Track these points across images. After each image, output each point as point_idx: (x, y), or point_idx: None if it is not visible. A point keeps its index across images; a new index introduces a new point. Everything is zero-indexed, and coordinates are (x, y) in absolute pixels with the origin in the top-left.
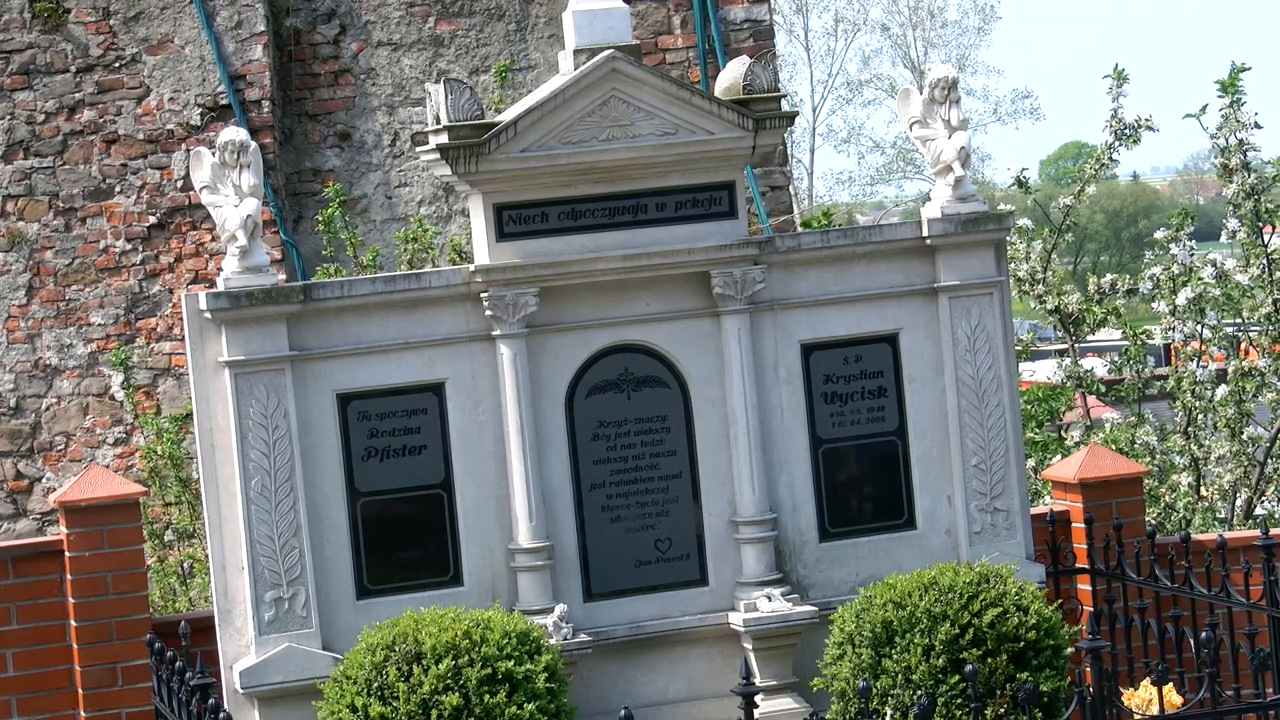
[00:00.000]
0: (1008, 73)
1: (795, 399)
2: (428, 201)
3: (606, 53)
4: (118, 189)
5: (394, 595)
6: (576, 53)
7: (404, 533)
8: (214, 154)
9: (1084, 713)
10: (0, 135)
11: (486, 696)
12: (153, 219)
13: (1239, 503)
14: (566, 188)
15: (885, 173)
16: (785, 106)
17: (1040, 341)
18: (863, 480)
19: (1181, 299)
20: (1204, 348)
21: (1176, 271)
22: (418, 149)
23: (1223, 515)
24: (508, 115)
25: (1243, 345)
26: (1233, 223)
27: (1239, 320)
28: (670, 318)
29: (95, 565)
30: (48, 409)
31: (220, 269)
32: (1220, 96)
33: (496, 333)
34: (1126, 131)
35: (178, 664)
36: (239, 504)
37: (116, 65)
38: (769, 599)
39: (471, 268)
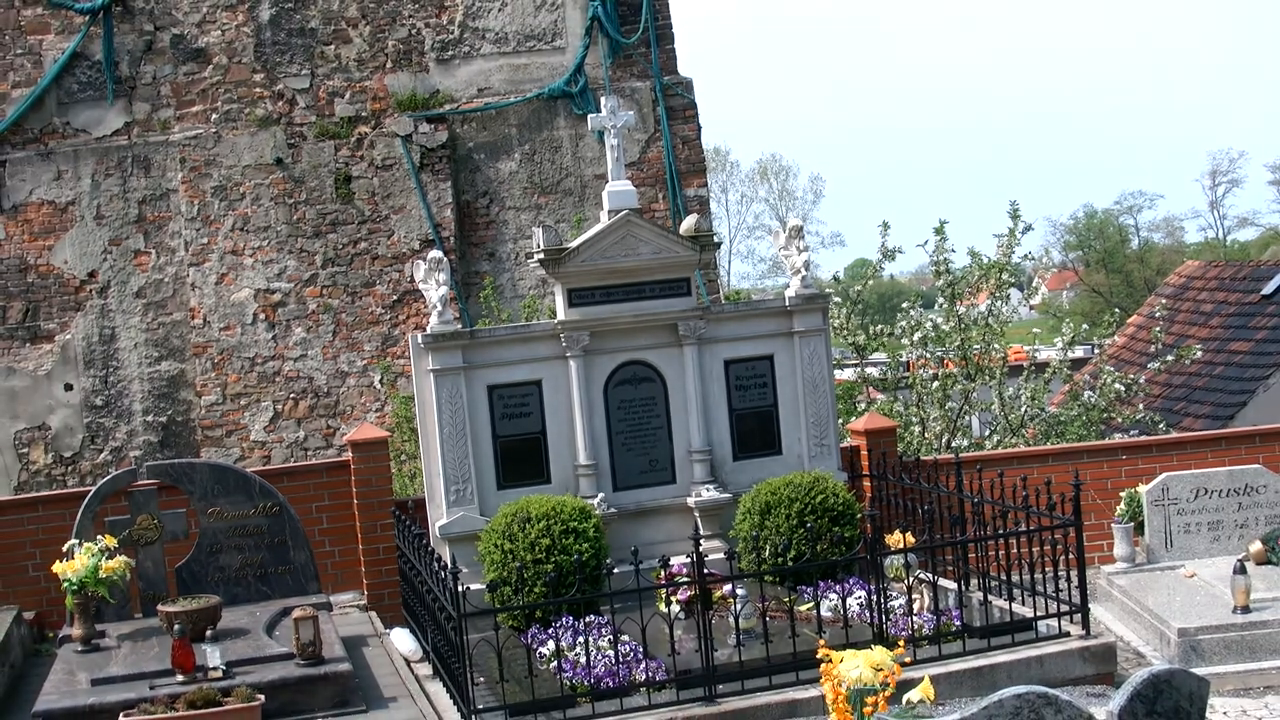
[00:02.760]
0: (829, 222)
1: (721, 388)
2: (534, 287)
3: (624, 212)
4: (377, 282)
5: (516, 489)
6: (609, 212)
7: (521, 457)
8: (425, 264)
9: (867, 547)
10: (320, 256)
11: (563, 539)
12: (394, 298)
13: (943, 442)
14: (604, 280)
15: (767, 273)
16: (715, 240)
17: (845, 359)
18: (756, 429)
19: (916, 337)
20: (926, 362)
21: (912, 324)
22: (529, 261)
23: (936, 448)
24: (574, 243)
25: (946, 361)
26: (941, 300)
27: (943, 348)
28: (657, 347)
29: (366, 472)
30: (343, 393)
31: (428, 323)
32: (936, 235)
33: (568, 354)
34: (889, 253)
35: (407, 522)
36: (437, 442)
37: (376, 220)
38: (707, 490)
39: (555, 321)
